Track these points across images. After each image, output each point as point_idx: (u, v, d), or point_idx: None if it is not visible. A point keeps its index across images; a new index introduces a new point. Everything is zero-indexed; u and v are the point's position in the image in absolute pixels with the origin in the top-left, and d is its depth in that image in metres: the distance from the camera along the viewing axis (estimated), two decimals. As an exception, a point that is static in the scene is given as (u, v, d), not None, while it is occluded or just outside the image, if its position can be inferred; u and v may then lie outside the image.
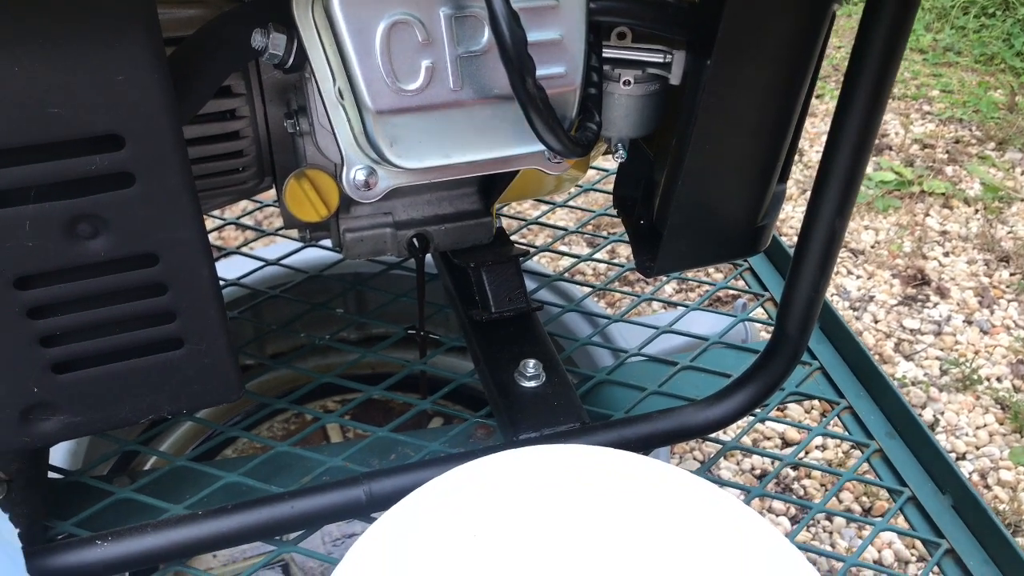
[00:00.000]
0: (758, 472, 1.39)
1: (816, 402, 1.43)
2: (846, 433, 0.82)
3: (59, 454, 0.86)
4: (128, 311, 0.58)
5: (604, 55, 0.60)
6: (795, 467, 1.40)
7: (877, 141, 2.26)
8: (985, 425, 1.50)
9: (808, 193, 0.75)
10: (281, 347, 1.27)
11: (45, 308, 0.55)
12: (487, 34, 0.53)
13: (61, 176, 0.50)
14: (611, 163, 1.18)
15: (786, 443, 1.43)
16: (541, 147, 0.59)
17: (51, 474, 0.77)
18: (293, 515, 0.68)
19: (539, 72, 0.51)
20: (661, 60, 0.62)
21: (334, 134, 0.58)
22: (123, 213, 0.53)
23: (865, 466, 0.79)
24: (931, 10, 2.88)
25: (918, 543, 1.15)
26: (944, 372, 1.60)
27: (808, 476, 1.39)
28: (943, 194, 2.07)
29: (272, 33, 0.56)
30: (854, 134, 0.61)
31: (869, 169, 2.16)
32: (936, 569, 0.71)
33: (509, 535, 0.61)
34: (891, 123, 2.36)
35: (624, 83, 0.64)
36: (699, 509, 0.62)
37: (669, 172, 0.67)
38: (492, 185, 0.84)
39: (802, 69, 0.62)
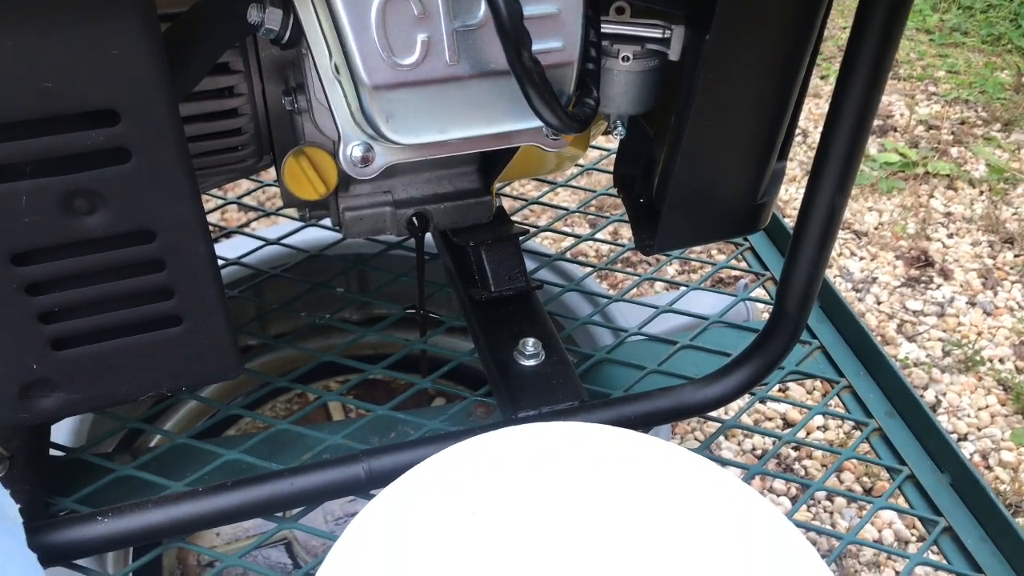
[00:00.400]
0: (759, 452, 1.39)
1: (818, 384, 1.43)
2: (846, 412, 0.82)
3: (62, 432, 0.87)
4: (126, 288, 0.58)
5: (603, 30, 0.60)
6: (796, 447, 1.40)
7: (882, 122, 2.25)
8: (987, 406, 1.50)
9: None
10: (283, 327, 1.27)
11: (43, 284, 0.55)
12: (483, 7, 0.53)
13: (56, 151, 0.50)
14: (613, 143, 1.18)
15: (787, 424, 1.43)
16: (539, 123, 0.58)
17: (53, 451, 0.78)
18: (293, 492, 0.68)
19: (536, 46, 0.51)
20: (660, 35, 0.62)
21: (331, 110, 0.57)
22: (119, 189, 0.53)
23: (865, 445, 0.79)
24: (938, -10, 2.86)
25: (918, 523, 1.15)
26: (947, 353, 1.60)
27: (809, 456, 1.39)
28: (948, 175, 2.06)
29: (268, 8, 0.55)
30: (853, 112, 0.61)
31: (873, 150, 2.15)
32: (935, 547, 0.71)
33: (507, 512, 0.61)
34: (896, 104, 2.34)
35: (623, 59, 0.63)
36: (696, 486, 0.62)
37: (668, 149, 0.66)
38: (491, 164, 0.84)
39: (801, 45, 0.61)
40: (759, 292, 0.97)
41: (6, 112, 0.48)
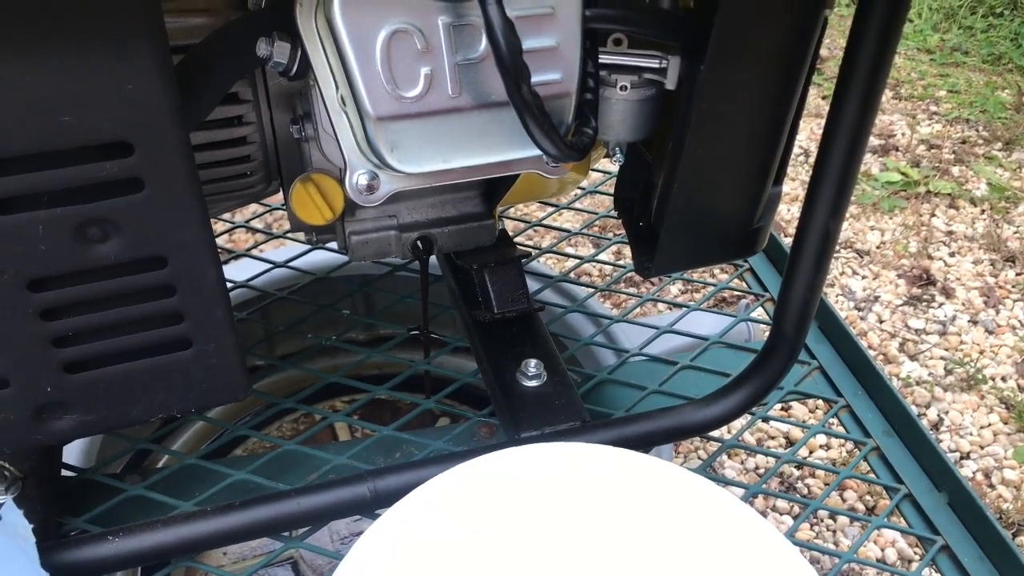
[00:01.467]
0: (762, 471, 1.40)
1: (820, 403, 1.44)
2: (844, 432, 0.84)
3: (72, 452, 0.88)
4: (138, 312, 0.59)
5: (600, 61, 0.62)
6: (799, 466, 1.41)
7: (884, 141, 2.27)
8: (989, 424, 1.50)
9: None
10: (290, 348, 1.28)
11: (58, 310, 0.57)
12: (484, 41, 0.54)
13: (72, 182, 0.52)
14: (615, 165, 1.20)
15: (790, 443, 1.44)
16: (538, 152, 0.60)
17: (64, 472, 0.79)
18: (299, 511, 0.70)
19: (535, 78, 0.53)
20: (656, 65, 0.64)
21: (337, 140, 0.59)
22: (132, 217, 0.55)
23: (864, 464, 0.80)
24: (938, 10, 2.88)
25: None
26: (949, 372, 1.61)
27: (812, 475, 1.40)
28: (949, 194, 2.07)
29: (277, 42, 0.57)
30: (847, 135, 0.62)
31: (875, 169, 2.16)
32: (932, 565, 0.72)
33: (510, 531, 0.62)
34: (898, 123, 2.36)
35: (621, 88, 0.65)
36: (696, 506, 0.63)
37: (665, 174, 0.68)
38: (494, 188, 0.86)
39: (795, 73, 0.63)
40: (759, 312, 0.98)
41: (26, 144, 0.50)
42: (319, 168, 0.76)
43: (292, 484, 0.75)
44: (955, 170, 2.17)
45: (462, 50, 0.54)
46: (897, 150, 2.25)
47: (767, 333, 1.44)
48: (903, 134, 2.31)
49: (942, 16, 2.87)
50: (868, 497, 1.36)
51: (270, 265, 1.04)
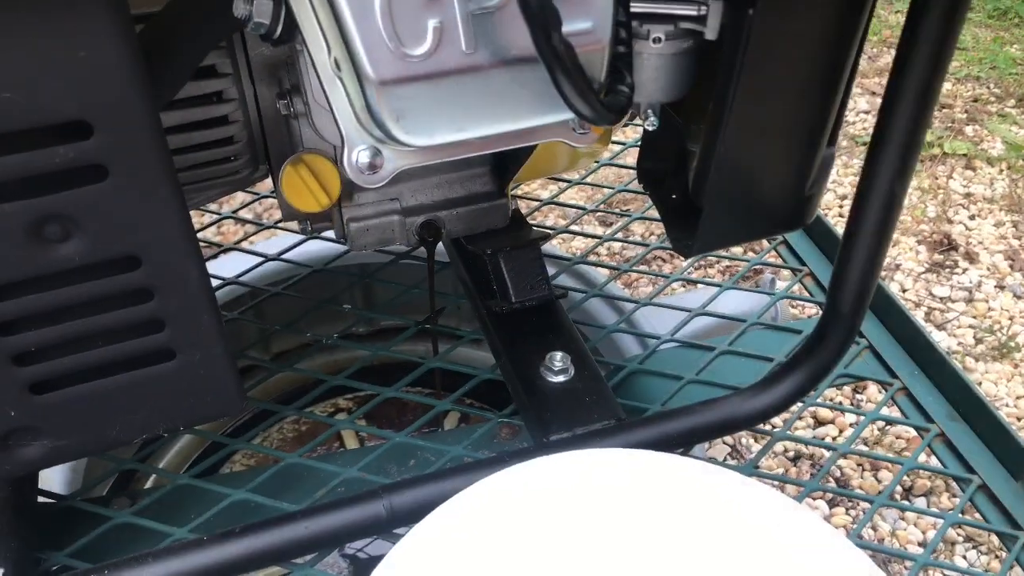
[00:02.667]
0: (791, 455, 1.33)
1: (848, 387, 1.36)
2: (903, 417, 0.76)
3: (53, 477, 0.80)
4: (110, 321, 0.51)
5: (632, 9, 0.53)
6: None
7: (893, 103, 2.18)
8: (1026, 394, 1.43)
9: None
10: (286, 345, 1.20)
11: (15, 323, 0.49)
12: (502, -14, 0.46)
13: (21, 171, 0.44)
14: (623, 135, 1.11)
15: (818, 422, 1.37)
16: (566, 116, 0.52)
17: (42, 498, 0.71)
18: (308, 536, 0.62)
19: (563, 28, 0.45)
20: (695, 12, 0.55)
21: (332, 112, 0.51)
22: (96, 211, 0.47)
23: (926, 451, 0.73)
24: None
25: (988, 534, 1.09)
26: (979, 341, 1.53)
27: (844, 457, 1.32)
28: (965, 155, 1.99)
29: (256, -1, 0.49)
30: (917, 84, 0.54)
31: (886, 133, 2.08)
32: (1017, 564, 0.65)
33: (549, 557, 0.54)
34: (906, 84, 2.27)
35: (654, 40, 0.57)
36: (757, 516, 0.56)
37: (706, 139, 0.60)
38: (505, 164, 0.78)
39: (854, 19, 0.55)
40: (795, 289, 0.90)
41: (-42, 129, 0.41)
42: (311, 148, 0.68)
43: (298, 502, 0.68)
44: (969, 129, 2.09)
45: (476, -3, 0.46)
46: (907, 112, 2.16)
47: (796, 311, 1.36)
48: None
49: None
50: (906, 478, 1.29)
51: (261, 258, 0.95)
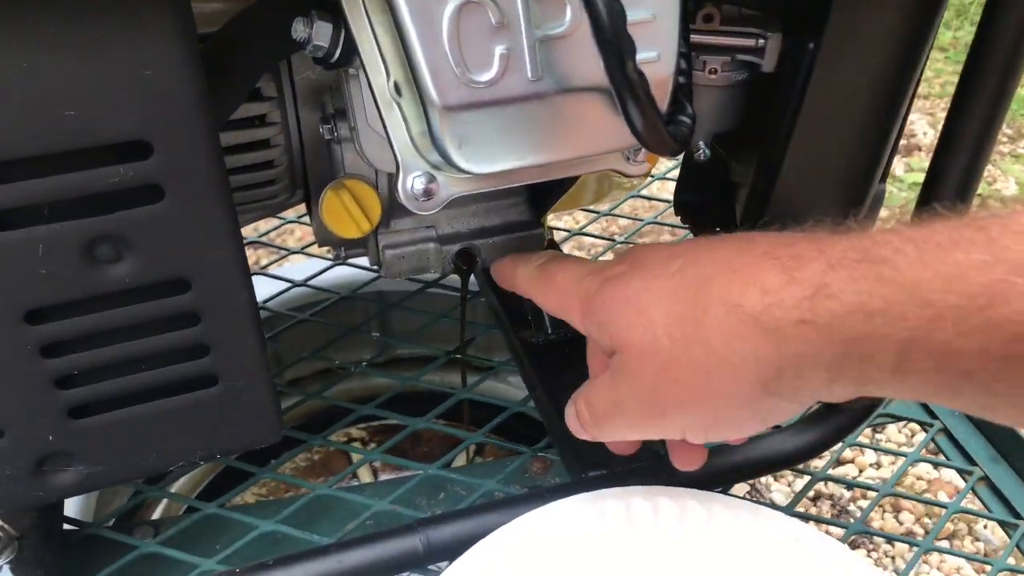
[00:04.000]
0: (812, 494, 1.31)
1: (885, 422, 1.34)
2: (944, 459, 0.75)
3: (69, 502, 0.79)
4: (155, 345, 0.50)
5: (691, 39, 0.53)
6: (849, 487, 1.32)
7: (906, 142, 2.19)
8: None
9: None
10: (299, 372, 1.19)
11: (60, 344, 0.48)
12: (570, 12, 0.45)
13: (79, 191, 0.43)
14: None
15: (838, 461, 1.35)
16: (625, 145, 0.51)
17: (66, 526, 0.69)
18: (341, 570, 0.60)
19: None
20: (753, 44, 0.55)
21: (388, 137, 0.50)
22: (150, 232, 0.46)
23: (970, 495, 0.72)
24: (950, 7, 2.82)
25: None
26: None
27: (863, 496, 1.31)
28: (979, 195, 1.99)
29: (316, 22, 0.48)
30: (983, 108, 0.54)
31: (899, 170, 2.08)
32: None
33: None
34: (918, 123, 2.29)
35: (710, 72, 0.56)
36: (808, 562, 0.54)
37: (759, 172, 0.59)
38: (542, 193, 0.77)
39: (915, 55, 0.54)
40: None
41: (22, 146, 0.40)
42: (353, 173, 0.67)
43: (327, 534, 0.66)
44: (982, 170, 2.10)
45: (543, 24, 0.45)
46: (920, 150, 2.17)
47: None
48: (924, 133, 2.24)
49: (953, 13, 2.81)
50: (926, 520, 1.27)
51: (288, 284, 0.94)
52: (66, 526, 0.69)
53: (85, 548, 0.67)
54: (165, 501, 1.05)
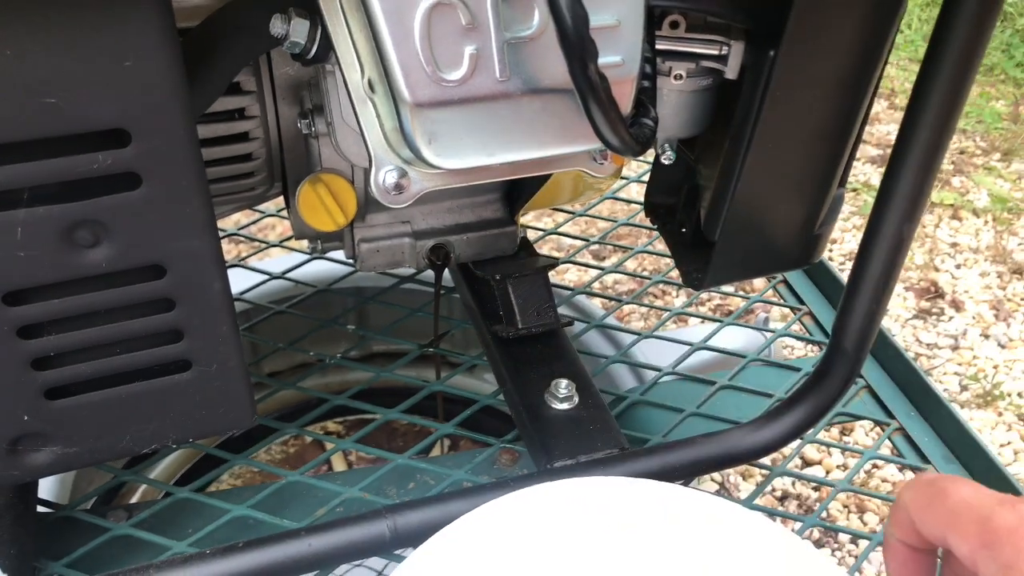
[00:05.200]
0: (778, 494, 1.33)
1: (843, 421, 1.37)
2: (899, 457, 0.77)
3: (45, 484, 0.80)
4: (130, 329, 0.52)
5: (657, 46, 0.55)
6: (816, 488, 1.35)
7: (880, 152, 2.23)
8: (1009, 443, 1.45)
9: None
10: (278, 366, 1.20)
11: (38, 326, 0.49)
12: (537, 16, 0.47)
13: (59, 176, 0.44)
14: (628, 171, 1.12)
15: (805, 463, 1.38)
16: (591, 147, 0.53)
17: (39, 508, 0.70)
18: (311, 553, 0.62)
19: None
20: (717, 52, 0.57)
21: (362, 133, 0.52)
22: (127, 219, 0.47)
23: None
24: (928, 20, 2.86)
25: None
26: (964, 388, 1.55)
27: (834, 497, 1.33)
28: (952, 205, 2.03)
29: (294, 19, 0.50)
30: (929, 127, 0.56)
31: (876, 180, 2.12)
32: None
33: None
34: (894, 134, 2.32)
35: (675, 77, 0.58)
36: (765, 554, 0.56)
37: (721, 175, 0.61)
38: (517, 192, 0.79)
39: (872, 62, 0.57)
40: (795, 328, 0.91)
41: (3, 132, 0.42)
42: (330, 168, 0.68)
43: (297, 520, 0.68)
44: (955, 181, 2.13)
45: (512, 26, 0.47)
46: (896, 160, 2.20)
47: (787, 350, 1.37)
48: (901, 144, 2.27)
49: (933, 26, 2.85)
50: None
51: (266, 277, 0.95)
52: (41, 508, 0.70)
53: (59, 529, 0.68)
54: (144, 487, 1.07)
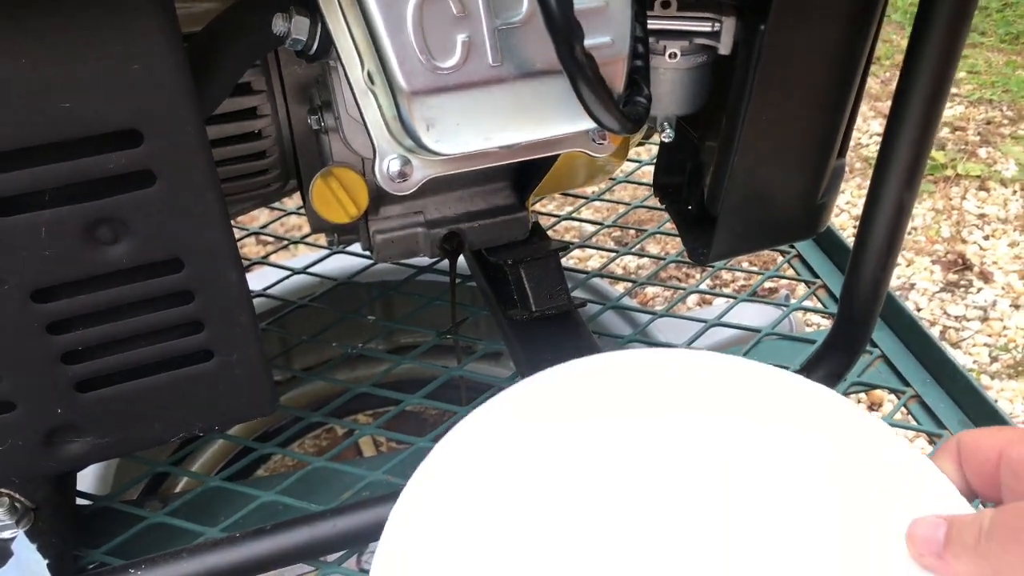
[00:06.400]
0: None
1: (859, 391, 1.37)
2: (916, 424, 0.77)
3: (86, 479, 0.83)
4: (153, 322, 0.54)
5: (648, 25, 0.56)
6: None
7: (906, 126, 2.21)
8: (1042, 412, 1.44)
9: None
10: (308, 361, 1.23)
11: (66, 322, 0.52)
12: (526, 2, 0.49)
13: (78, 177, 0.47)
14: (636, 154, 1.14)
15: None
16: (586, 127, 0.55)
17: (79, 500, 0.74)
18: (335, 534, 0.64)
19: (585, 42, 0.47)
20: (709, 29, 0.58)
21: (365, 124, 0.54)
22: (144, 215, 0.49)
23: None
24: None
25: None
26: (994, 359, 1.54)
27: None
28: (978, 176, 2.01)
29: (294, 17, 0.52)
30: (923, 94, 0.56)
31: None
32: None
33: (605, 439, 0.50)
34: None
35: (670, 56, 0.60)
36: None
37: (720, 150, 0.62)
38: (526, 178, 0.80)
39: (863, 32, 0.57)
40: (810, 302, 0.92)
41: (23, 136, 0.44)
42: (341, 162, 0.70)
43: (324, 504, 0.70)
44: (982, 151, 2.11)
45: (502, 13, 0.49)
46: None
47: (807, 326, 1.37)
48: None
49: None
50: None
51: (288, 272, 0.98)
52: (80, 501, 0.74)
53: (97, 520, 0.71)
54: (184, 480, 1.10)
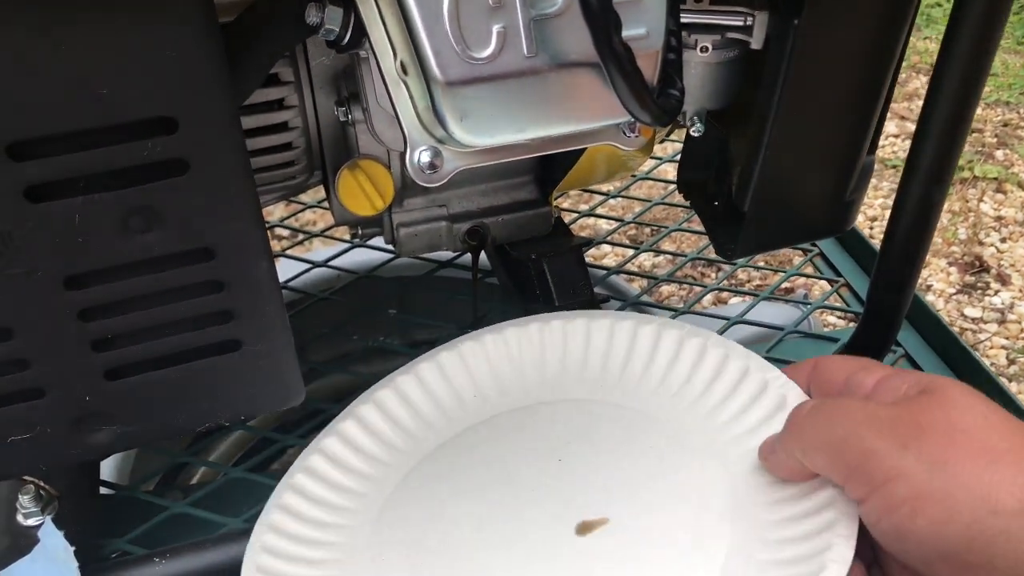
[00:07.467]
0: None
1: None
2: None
3: (105, 469, 0.83)
4: (183, 311, 0.54)
5: (681, 19, 0.56)
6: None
7: (922, 127, 2.20)
8: (1059, 415, 1.43)
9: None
10: (324, 355, 1.23)
11: (97, 309, 0.52)
12: (562, -7, 0.49)
13: (113, 164, 0.47)
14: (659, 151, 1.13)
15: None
16: (619, 119, 0.54)
17: (102, 489, 0.74)
18: (359, 525, 0.64)
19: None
20: (741, 23, 0.58)
21: (396, 114, 0.54)
22: (177, 203, 0.49)
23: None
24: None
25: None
26: (1012, 361, 1.54)
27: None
28: (995, 178, 2.00)
29: (328, 6, 0.52)
30: (955, 88, 0.56)
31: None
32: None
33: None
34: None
35: (701, 50, 0.59)
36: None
37: (749, 146, 0.62)
38: (549, 173, 0.80)
39: (896, 28, 0.57)
40: (832, 300, 0.92)
41: (60, 123, 0.44)
42: (366, 153, 0.70)
43: (347, 495, 0.70)
44: (999, 153, 2.10)
45: (538, 3, 0.49)
46: (937, 135, 2.17)
47: (826, 323, 1.36)
48: (941, 119, 2.24)
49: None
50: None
51: (309, 265, 0.98)
52: (103, 490, 0.74)
53: (120, 508, 0.71)
54: (201, 470, 1.10)
